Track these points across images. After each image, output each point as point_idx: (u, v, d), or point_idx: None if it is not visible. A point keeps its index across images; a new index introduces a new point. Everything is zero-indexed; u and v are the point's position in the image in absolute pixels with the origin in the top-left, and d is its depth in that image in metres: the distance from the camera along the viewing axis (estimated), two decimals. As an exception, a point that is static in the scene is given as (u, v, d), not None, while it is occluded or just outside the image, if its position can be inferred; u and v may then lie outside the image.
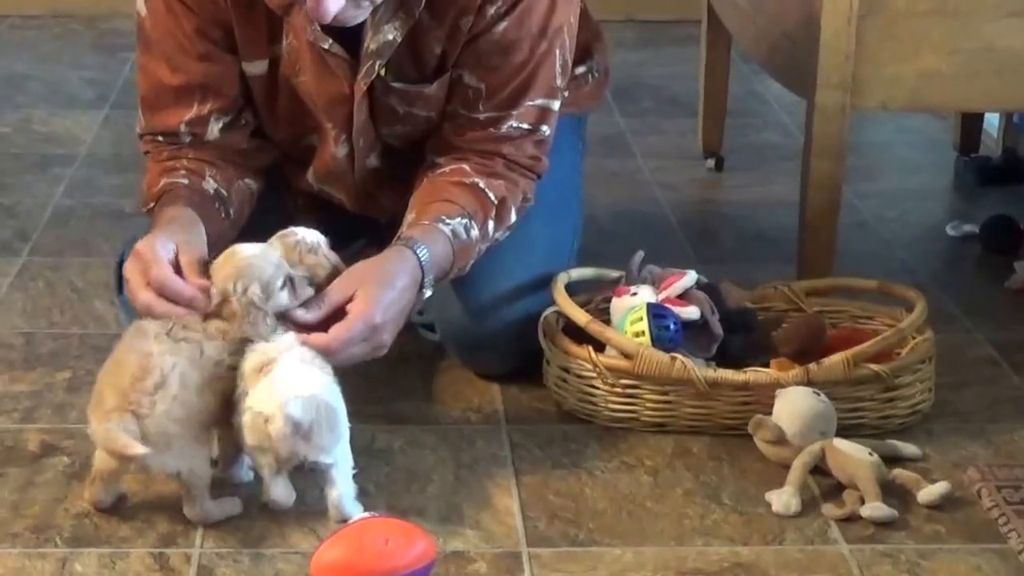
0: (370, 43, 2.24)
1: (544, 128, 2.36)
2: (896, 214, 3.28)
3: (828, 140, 2.63)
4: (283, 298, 2.04)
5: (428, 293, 2.22)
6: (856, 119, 2.78)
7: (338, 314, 2.08)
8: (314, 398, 1.95)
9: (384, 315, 2.09)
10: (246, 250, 2.05)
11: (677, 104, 4.00)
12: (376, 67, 2.26)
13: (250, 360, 2.00)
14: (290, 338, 2.02)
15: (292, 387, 1.95)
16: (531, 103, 2.33)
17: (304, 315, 2.06)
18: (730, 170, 3.54)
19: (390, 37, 2.24)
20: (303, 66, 2.29)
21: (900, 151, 3.75)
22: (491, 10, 2.26)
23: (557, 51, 2.32)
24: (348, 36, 2.23)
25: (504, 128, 2.33)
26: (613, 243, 2.91)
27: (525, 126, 2.34)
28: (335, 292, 2.09)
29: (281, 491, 1.99)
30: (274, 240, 2.11)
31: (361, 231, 2.49)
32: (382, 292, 2.11)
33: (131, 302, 2.06)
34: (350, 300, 2.08)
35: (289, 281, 2.05)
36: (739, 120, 3.78)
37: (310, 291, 2.07)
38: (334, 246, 2.15)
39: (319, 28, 2.20)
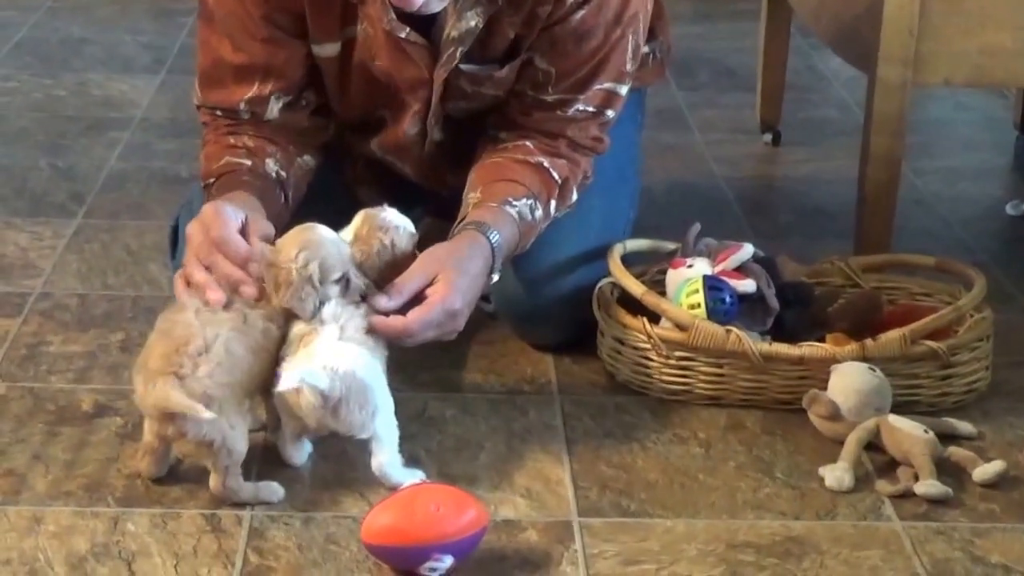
0: (451, 30, 2.23)
1: (609, 112, 2.35)
2: (955, 192, 3.25)
3: (889, 116, 2.61)
4: (333, 291, 2.03)
5: (496, 278, 2.22)
6: (916, 96, 2.75)
7: (415, 298, 2.08)
8: (345, 374, 1.96)
9: (462, 301, 2.10)
10: (322, 231, 2.05)
11: (735, 78, 3.98)
12: (457, 54, 2.25)
13: (297, 326, 2.01)
14: (333, 309, 2.02)
15: (325, 361, 1.96)
16: (599, 87, 2.32)
17: (386, 303, 2.06)
18: (787, 145, 3.52)
19: (472, 24, 2.22)
20: (378, 53, 2.27)
21: (960, 129, 3.72)
22: None
23: (630, 36, 2.31)
24: (423, 22, 2.22)
25: (571, 111, 2.32)
26: (668, 216, 2.90)
27: (591, 109, 2.33)
28: (415, 278, 2.08)
29: (294, 455, 2.07)
30: (360, 214, 2.11)
31: (421, 199, 2.48)
32: (461, 278, 2.11)
33: (185, 252, 2.06)
34: (429, 285, 2.08)
35: (345, 280, 2.04)
36: (797, 95, 3.75)
37: (357, 297, 2.06)
38: None
39: (395, 17, 2.19)
